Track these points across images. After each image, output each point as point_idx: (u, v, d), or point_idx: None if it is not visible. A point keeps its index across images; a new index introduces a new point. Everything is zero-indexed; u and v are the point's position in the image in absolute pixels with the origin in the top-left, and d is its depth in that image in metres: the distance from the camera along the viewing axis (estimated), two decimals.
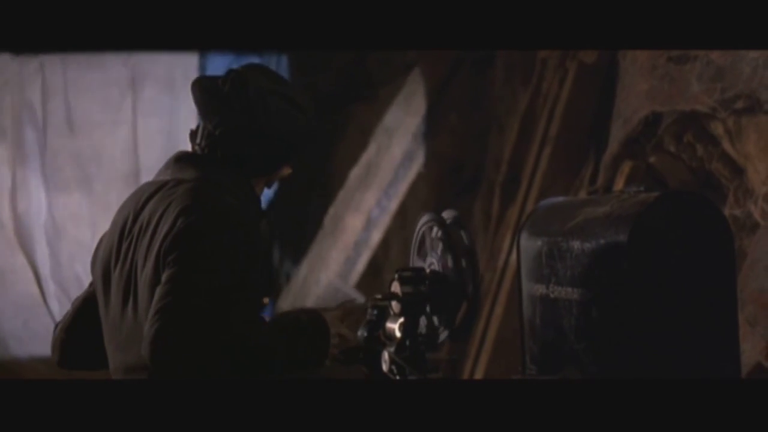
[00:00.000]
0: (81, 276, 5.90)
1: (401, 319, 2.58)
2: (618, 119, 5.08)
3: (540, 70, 5.72)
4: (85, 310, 2.67)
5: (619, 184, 4.97)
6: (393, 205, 6.54)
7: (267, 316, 2.57)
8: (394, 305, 2.59)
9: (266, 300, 2.55)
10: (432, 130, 6.46)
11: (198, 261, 2.37)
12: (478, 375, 5.38)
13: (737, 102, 4.42)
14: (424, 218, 2.67)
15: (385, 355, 2.59)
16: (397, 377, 2.57)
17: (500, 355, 5.35)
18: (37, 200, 6.06)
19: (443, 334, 2.58)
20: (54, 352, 2.71)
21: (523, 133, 5.77)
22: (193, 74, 6.06)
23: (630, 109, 4.96)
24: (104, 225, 2.71)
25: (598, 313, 2.61)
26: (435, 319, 2.59)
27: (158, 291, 2.34)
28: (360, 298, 6.05)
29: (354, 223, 6.61)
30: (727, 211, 4.40)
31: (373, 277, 6.41)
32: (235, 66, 2.67)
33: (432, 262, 2.61)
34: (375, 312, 2.67)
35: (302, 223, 6.70)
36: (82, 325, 2.67)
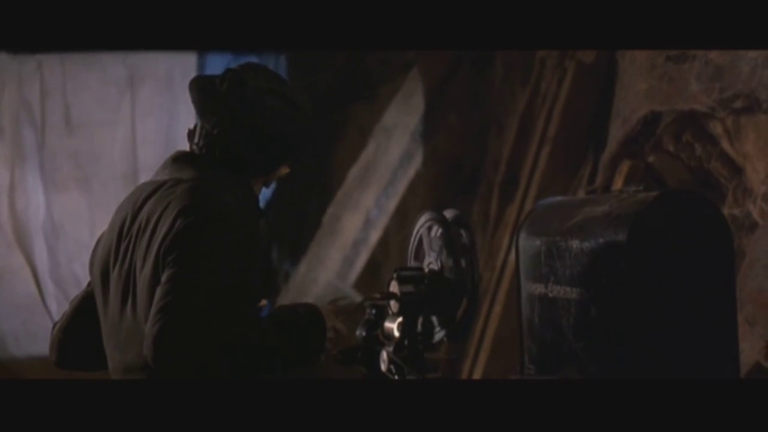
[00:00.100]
0: (79, 275, 5.89)
1: (400, 319, 2.58)
2: (617, 119, 5.08)
3: (539, 69, 5.72)
4: (83, 310, 2.67)
5: (617, 183, 4.97)
6: (392, 204, 6.54)
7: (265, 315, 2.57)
8: (393, 305, 2.59)
9: (264, 302, 2.55)
10: (431, 129, 6.45)
11: (198, 261, 2.36)
12: (477, 374, 5.38)
13: (736, 101, 4.42)
14: (423, 218, 2.67)
15: (384, 355, 2.59)
16: (396, 377, 2.56)
17: (499, 355, 5.35)
18: (35, 200, 6.05)
19: (439, 334, 2.58)
20: (52, 351, 2.71)
21: (521, 133, 5.77)
22: (192, 74, 6.05)
23: (629, 108, 4.96)
24: (103, 224, 2.71)
25: (597, 312, 2.60)
26: (434, 319, 2.59)
27: (159, 291, 2.34)
28: (352, 295, 6.05)
29: (352, 222, 6.61)
30: (725, 211, 4.40)
31: (371, 276, 6.41)
32: (233, 65, 2.67)
33: (431, 262, 2.61)
34: (373, 311, 2.67)
35: (301, 222, 6.70)
36: (80, 325, 2.67)
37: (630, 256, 2.53)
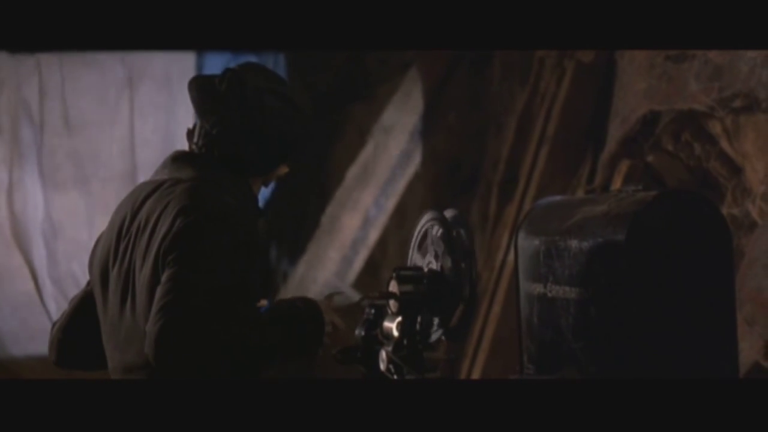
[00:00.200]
0: (78, 275, 5.89)
1: (399, 318, 2.58)
2: (616, 118, 5.08)
3: (538, 69, 5.72)
4: (83, 310, 2.67)
5: (616, 183, 4.97)
6: (390, 204, 6.54)
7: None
8: (392, 304, 2.59)
9: (263, 302, 2.55)
10: (430, 129, 6.45)
11: (197, 260, 2.37)
12: (476, 374, 5.38)
13: (735, 101, 4.42)
14: (428, 215, 2.67)
15: (383, 354, 2.59)
16: (395, 376, 2.56)
17: (498, 355, 5.35)
18: (33, 199, 6.05)
19: (436, 333, 2.58)
20: (51, 351, 2.71)
21: (520, 133, 5.77)
22: (190, 73, 6.05)
23: (628, 108, 4.96)
24: (101, 224, 2.71)
25: (596, 312, 2.60)
26: (433, 319, 2.59)
27: (159, 290, 2.35)
28: (349, 292, 6.05)
29: (351, 222, 6.61)
30: (725, 210, 4.40)
31: (370, 276, 6.41)
32: (232, 65, 2.67)
33: (430, 261, 2.61)
34: (372, 311, 2.67)
35: (300, 222, 6.70)
36: (79, 324, 2.67)
37: (629, 255, 2.53)
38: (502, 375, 4.58)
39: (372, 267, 6.49)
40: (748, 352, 4.05)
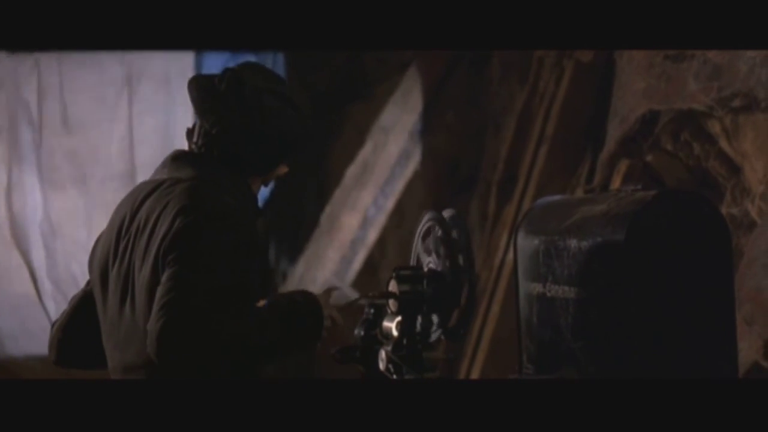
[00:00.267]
0: (77, 275, 5.89)
1: (398, 318, 2.58)
2: (615, 118, 5.08)
3: (537, 68, 5.72)
4: (83, 309, 2.67)
5: (616, 182, 4.97)
6: (389, 203, 6.53)
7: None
8: (392, 304, 2.59)
9: (263, 302, 2.55)
10: (429, 128, 6.45)
11: (197, 260, 2.37)
12: (475, 374, 5.38)
13: (734, 100, 4.42)
14: (425, 218, 2.67)
15: (382, 354, 2.59)
16: (394, 376, 2.56)
17: (497, 354, 5.35)
18: (32, 199, 6.05)
19: (436, 333, 2.58)
20: (51, 350, 2.71)
21: (519, 132, 5.76)
22: (189, 72, 6.05)
23: (627, 107, 4.96)
24: (100, 224, 2.71)
25: (596, 311, 2.60)
26: (432, 318, 2.59)
27: (160, 289, 2.35)
28: (347, 290, 6.04)
29: (350, 221, 6.61)
30: (724, 210, 4.40)
31: (369, 275, 6.41)
32: (231, 64, 2.67)
33: (430, 261, 2.61)
34: (372, 311, 2.67)
35: (299, 221, 6.69)
36: (79, 323, 2.67)
37: (628, 255, 2.52)
38: (501, 375, 4.58)
39: (371, 267, 6.49)
40: (747, 351, 4.05)
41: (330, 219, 6.65)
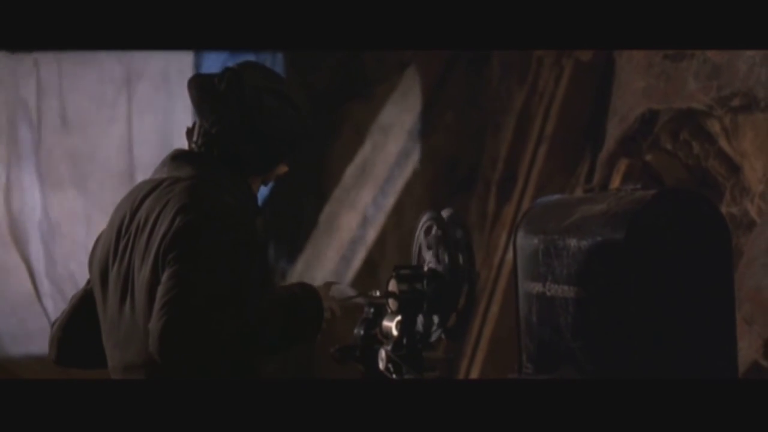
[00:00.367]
0: (76, 274, 5.88)
1: (398, 317, 2.58)
2: (614, 117, 5.08)
3: (536, 68, 5.72)
4: (83, 308, 2.67)
5: (615, 181, 4.97)
6: (388, 203, 6.53)
7: None
8: (391, 303, 2.59)
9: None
10: (428, 128, 6.45)
11: (198, 259, 2.37)
12: (474, 373, 5.38)
13: (734, 100, 4.42)
14: (424, 218, 2.67)
15: (382, 353, 2.59)
16: (394, 375, 2.56)
17: (496, 354, 5.35)
18: (31, 198, 6.04)
19: (436, 333, 2.58)
20: (51, 349, 2.71)
21: (519, 131, 5.76)
22: (188, 72, 6.05)
23: (626, 106, 4.96)
24: (99, 223, 2.71)
25: (595, 311, 2.60)
26: (432, 318, 2.58)
27: (161, 288, 2.35)
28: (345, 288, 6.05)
29: (349, 221, 6.60)
30: (723, 209, 4.40)
31: (368, 275, 6.41)
32: (230, 63, 2.67)
33: (430, 261, 2.61)
34: (372, 310, 2.67)
35: (298, 221, 6.69)
36: (79, 322, 2.67)
37: (628, 254, 2.52)
38: (500, 374, 4.58)
39: (370, 266, 6.48)
40: (746, 351, 4.05)
41: (329, 218, 6.65)
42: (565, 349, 2.68)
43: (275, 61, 6.40)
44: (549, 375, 2.73)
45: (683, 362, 2.55)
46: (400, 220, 6.41)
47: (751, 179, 4.46)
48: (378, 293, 2.65)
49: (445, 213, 2.63)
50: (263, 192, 2.74)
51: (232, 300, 2.35)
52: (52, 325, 2.72)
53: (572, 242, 2.65)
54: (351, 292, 2.78)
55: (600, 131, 5.23)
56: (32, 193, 6.05)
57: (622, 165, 4.97)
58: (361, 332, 2.67)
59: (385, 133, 6.58)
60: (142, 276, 2.44)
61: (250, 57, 5.15)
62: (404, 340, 2.56)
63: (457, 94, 6.36)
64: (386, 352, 2.57)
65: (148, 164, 5.87)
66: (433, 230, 2.62)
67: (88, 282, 2.68)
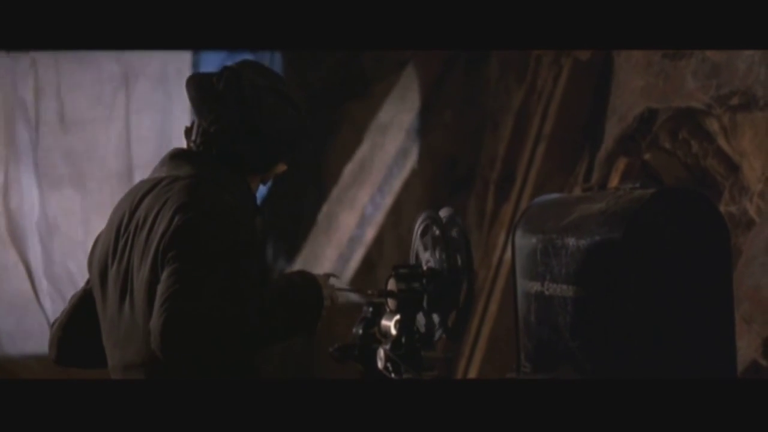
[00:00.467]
0: (74, 273, 5.88)
1: (397, 316, 2.58)
2: (613, 116, 5.08)
3: (534, 67, 5.71)
4: (82, 308, 2.67)
5: (614, 181, 4.97)
6: (387, 202, 6.53)
7: None
8: (390, 302, 2.59)
9: None
10: (426, 126, 6.44)
11: (197, 257, 2.37)
12: (473, 373, 5.37)
13: (733, 98, 4.42)
14: (421, 217, 2.67)
15: (381, 353, 2.58)
16: (392, 375, 2.56)
17: (495, 353, 5.35)
18: (29, 197, 6.03)
19: (438, 332, 2.58)
20: (51, 349, 2.71)
21: (517, 130, 5.76)
22: (187, 71, 6.04)
23: (625, 105, 4.96)
24: (97, 222, 2.71)
25: (594, 310, 2.60)
26: (431, 317, 2.58)
27: (160, 286, 2.35)
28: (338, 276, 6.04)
29: (348, 220, 6.60)
30: (722, 208, 4.39)
31: (367, 274, 6.40)
32: (228, 62, 2.67)
33: (429, 260, 2.61)
34: (370, 309, 2.67)
35: (296, 220, 6.69)
36: (79, 322, 2.67)
37: (626, 253, 2.52)
38: (499, 373, 4.58)
39: (368, 265, 6.48)
40: (745, 350, 4.05)
41: (328, 217, 6.65)
42: (564, 349, 2.68)
43: (274, 61, 6.40)
44: (547, 374, 2.72)
45: (682, 361, 2.55)
46: (398, 219, 6.41)
47: (750, 178, 4.46)
48: (373, 291, 2.65)
49: (443, 212, 2.63)
50: (262, 191, 2.74)
51: (233, 296, 2.35)
52: (52, 325, 2.73)
53: (571, 241, 2.65)
54: (344, 285, 2.78)
55: (599, 130, 5.23)
56: (30, 193, 6.04)
57: (621, 164, 4.97)
58: (360, 331, 2.67)
59: (384, 132, 6.57)
60: (141, 275, 2.44)
61: (249, 56, 5.15)
62: (403, 340, 2.56)
63: (455, 93, 6.36)
64: (385, 351, 2.57)
65: (146, 163, 5.87)
66: (431, 230, 2.61)
67: (88, 282, 2.68)
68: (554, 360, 2.72)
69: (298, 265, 6.60)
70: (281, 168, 2.68)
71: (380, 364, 2.59)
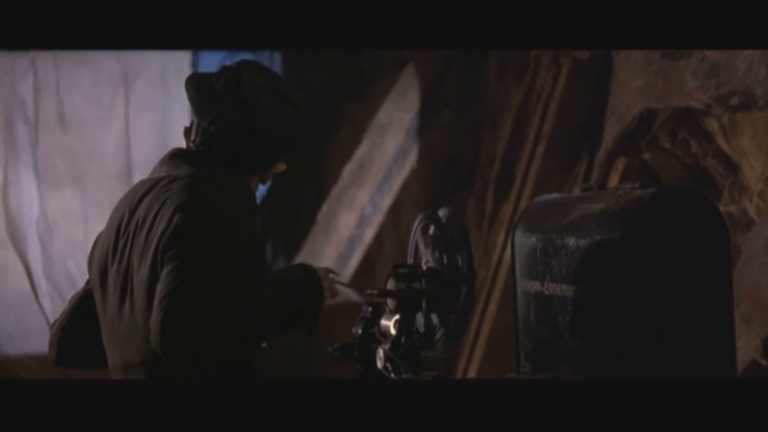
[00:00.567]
0: (73, 273, 5.88)
1: (396, 316, 2.58)
2: (612, 116, 5.08)
3: (534, 66, 5.71)
4: (83, 308, 2.67)
5: (613, 180, 4.97)
6: (386, 201, 6.53)
7: None
8: (390, 302, 2.59)
9: None
10: (426, 126, 6.44)
11: (197, 255, 2.37)
12: (472, 372, 5.37)
13: (732, 98, 4.42)
14: (420, 217, 2.67)
15: (380, 352, 2.58)
16: (392, 374, 2.56)
17: (494, 353, 5.35)
18: (28, 197, 6.03)
19: (439, 332, 2.58)
20: (51, 349, 2.71)
21: (516, 130, 5.76)
22: (186, 70, 6.04)
23: (624, 105, 4.96)
24: (96, 222, 2.71)
25: (593, 310, 2.60)
26: (430, 317, 2.58)
27: (160, 285, 2.35)
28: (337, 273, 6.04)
29: (347, 219, 6.60)
30: (722, 208, 4.39)
31: (366, 274, 6.40)
32: (227, 62, 2.67)
33: (428, 260, 2.61)
34: (370, 309, 2.67)
35: (295, 219, 6.69)
36: (79, 322, 2.68)
37: (626, 253, 2.52)
38: (498, 373, 4.58)
39: (368, 265, 6.48)
40: (745, 350, 4.05)
41: (327, 217, 6.65)
42: (564, 348, 2.68)
43: (273, 61, 6.40)
44: (547, 374, 2.72)
45: (682, 361, 2.55)
46: (397, 219, 6.41)
47: (750, 178, 4.46)
48: (372, 291, 2.65)
49: (442, 212, 2.63)
50: (261, 190, 2.74)
51: (232, 294, 2.35)
52: (52, 325, 2.73)
53: (570, 241, 2.65)
54: (344, 280, 2.78)
55: (598, 130, 5.23)
56: (29, 192, 6.04)
57: (620, 164, 4.97)
58: (360, 331, 2.67)
59: (383, 131, 6.57)
60: (141, 274, 2.44)
61: (248, 56, 5.15)
62: (402, 339, 2.56)
63: (454, 92, 6.36)
64: (384, 351, 2.57)
65: (145, 163, 5.86)
66: (431, 229, 2.61)
67: (88, 282, 2.68)
68: (554, 360, 2.72)
69: None
70: (281, 168, 2.69)
71: (380, 364, 2.59)
